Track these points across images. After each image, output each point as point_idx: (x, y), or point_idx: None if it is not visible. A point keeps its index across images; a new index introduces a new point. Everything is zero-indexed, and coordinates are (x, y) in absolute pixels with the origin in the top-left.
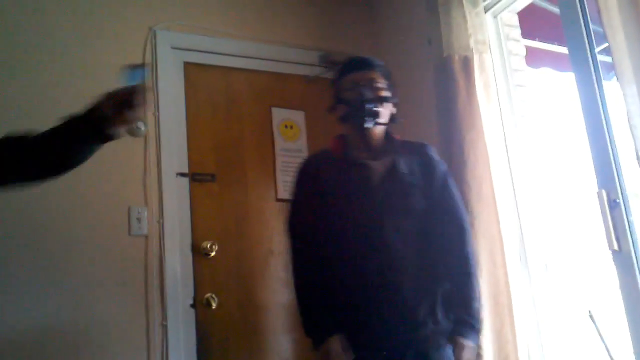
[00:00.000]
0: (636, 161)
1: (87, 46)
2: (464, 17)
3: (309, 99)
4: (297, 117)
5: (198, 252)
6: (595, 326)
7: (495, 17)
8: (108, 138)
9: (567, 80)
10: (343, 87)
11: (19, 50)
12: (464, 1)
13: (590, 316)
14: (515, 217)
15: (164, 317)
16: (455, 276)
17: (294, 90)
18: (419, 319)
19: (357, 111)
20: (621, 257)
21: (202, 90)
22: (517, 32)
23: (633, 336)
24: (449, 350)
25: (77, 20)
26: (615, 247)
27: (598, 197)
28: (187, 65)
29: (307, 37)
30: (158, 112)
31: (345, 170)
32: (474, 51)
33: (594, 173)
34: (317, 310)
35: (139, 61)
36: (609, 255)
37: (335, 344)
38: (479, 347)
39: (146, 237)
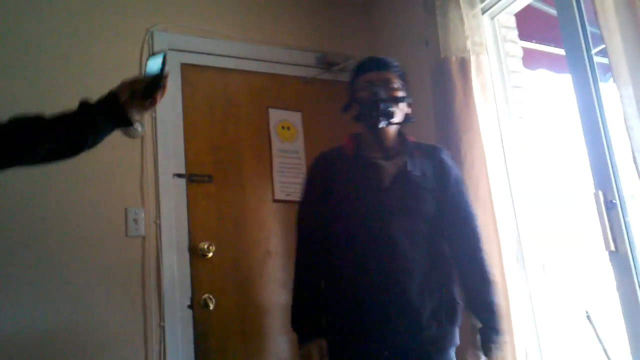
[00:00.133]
0: (633, 162)
1: (85, 47)
2: (461, 18)
3: (306, 100)
4: (294, 118)
5: (195, 253)
6: (593, 327)
7: (492, 18)
8: (123, 123)
9: (564, 82)
10: (358, 87)
11: (17, 52)
12: (461, 3)
13: (588, 317)
14: (512, 218)
15: (162, 318)
16: (474, 283)
17: (291, 92)
18: (422, 321)
19: (371, 111)
20: (618, 257)
21: (200, 91)
22: (514, 33)
23: (630, 336)
24: (451, 353)
25: (75, 22)
26: (612, 247)
27: (595, 198)
28: (185, 67)
29: (304, 38)
30: (155, 113)
31: (356, 169)
32: (471, 53)
33: (591, 174)
34: (307, 311)
35: (161, 50)
36: (605, 256)
37: (315, 348)
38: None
39: (143, 238)
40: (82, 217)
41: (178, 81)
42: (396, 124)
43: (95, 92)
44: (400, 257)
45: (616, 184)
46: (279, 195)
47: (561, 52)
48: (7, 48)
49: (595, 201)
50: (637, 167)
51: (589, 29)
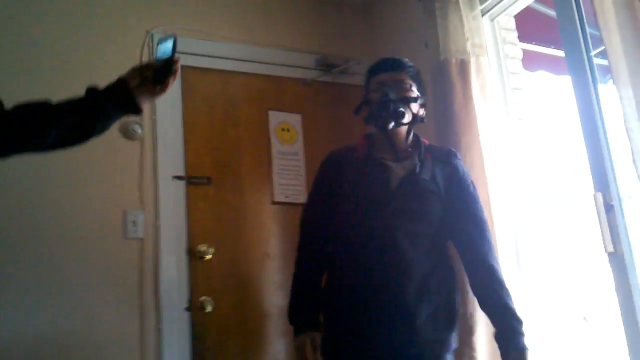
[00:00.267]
0: (632, 164)
1: (85, 50)
2: (461, 20)
3: (306, 102)
4: (294, 120)
5: (194, 255)
6: (590, 329)
7: (492, 20)
8: (132, 110)
9: (563, 83)
10: (370, 88)
11: (17, 53)
12: (461, 4)
13: (585, 319)
14: (510, 219)
15: (159, 320)
16: (489, 288)
17: (291, 94)
18: (417, 323)
19: (380, 111)
20: (616, 259)
21: (199, 93)
22: (514, 35)
23: (628, 338)
24: (448, 358)
25: (75, 24)
26: (611, 249)
27: (594, 199)
28: (184, 69)
29: (304, 40)
30: (155, 115)
31: (365, 169)
32: (470, 54)
33: (590, 176)
34: (304, 305)
35: (170, 34)
36: (604, 257)
37: (307, 340)
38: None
39: (142, 240)
40: (81, 218)
41: (178, 83)
42: (405, 124)
43: None
44: (400, 258)
45: (615, 186)
46: (278, 198)
47: (561, 53)
48: (7, 50)
49: (595, 203)
50: (636, 169)
51: (588, 30)
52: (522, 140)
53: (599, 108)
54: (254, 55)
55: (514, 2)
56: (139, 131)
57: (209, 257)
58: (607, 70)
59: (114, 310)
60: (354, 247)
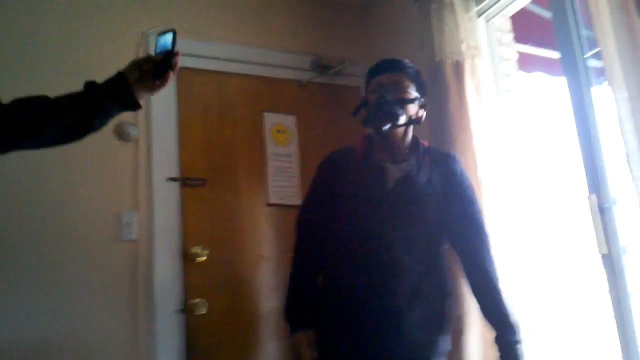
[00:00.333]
0: (626, 166)
1: (81, 50)
2: (456, 21)
3: (301, 103)
4: (289, 121)
5: (188, 257)
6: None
7: (487, 21)
8: (131, 105)
9: (559, 85)
10: (369, 89)
11: (13, 54)
12: (457, 6)
13: (579, 319)
14: (503, 220)
15: (153, 322)
16: (487, 295)
17: (285, 95)
18: (407, 325)
19: (376, 113)
20: (610, 260)
21: (194, 94)
22: (510, 37)
23: (622, 340)
24: None
25: (70, 24)
26: (605, 251)
27: (588, 201)
28: (179, 70)
29: (299, 41)
30: (149, 116)
31: (362, 170)
32: (466, 56)
33: (584, 177)
34: (299, 303)
35: (169, 26)
36: (598, 259)
37: (303, 338)
38: None
39: (136, 242)
40: (75, 220)
41: (172, 85)
42: (400, 126)
43: None
44: (393, 260)
45: (609, 188)
46: (273, 199)
47: (556, 55)
48: (2, 50)
49: (589, 204)
50: (630, 171)
51: (583, 32)
52: (516, 142)
53: (594, 110)
54: (249, 56)
55: (509, 4)
56: (134, 132)
57: (203, 259)
58: (602, 72)
59: (107, 312)
60: (350, 248)
